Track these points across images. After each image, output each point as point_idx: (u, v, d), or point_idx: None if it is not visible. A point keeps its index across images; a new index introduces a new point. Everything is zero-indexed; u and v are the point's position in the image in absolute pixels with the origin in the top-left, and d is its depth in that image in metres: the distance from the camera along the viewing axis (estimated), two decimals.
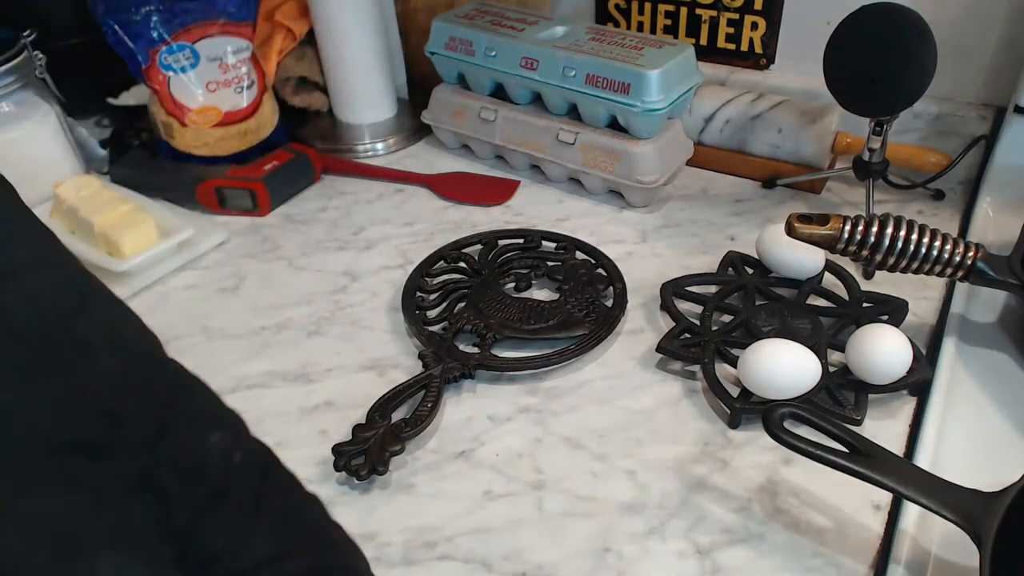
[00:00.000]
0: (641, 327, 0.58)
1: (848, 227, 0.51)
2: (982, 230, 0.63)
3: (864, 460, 0.39)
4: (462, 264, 0.64)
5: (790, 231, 0.52)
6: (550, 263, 0.63)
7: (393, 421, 0.49)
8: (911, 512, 0.42)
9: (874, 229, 0.51)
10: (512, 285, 0.61)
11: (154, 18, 0.73)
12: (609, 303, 0.59)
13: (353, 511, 0.45)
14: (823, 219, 0.52)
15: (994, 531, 0.35)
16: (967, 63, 0.71)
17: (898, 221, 0.51)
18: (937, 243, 0.50)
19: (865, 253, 0.51)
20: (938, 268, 0.51)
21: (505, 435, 0.49)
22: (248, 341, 0.58)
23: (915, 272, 0.52)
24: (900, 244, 0.50)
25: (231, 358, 0.56)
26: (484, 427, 0.50)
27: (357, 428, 0.48)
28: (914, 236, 0.50)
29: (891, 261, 0.51)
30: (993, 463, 0.45)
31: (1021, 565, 0.36)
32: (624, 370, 0.54)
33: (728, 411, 0.49)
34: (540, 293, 0.61)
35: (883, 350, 0.48)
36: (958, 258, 0.50)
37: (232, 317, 0.61)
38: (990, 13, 0.69)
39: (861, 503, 0.44)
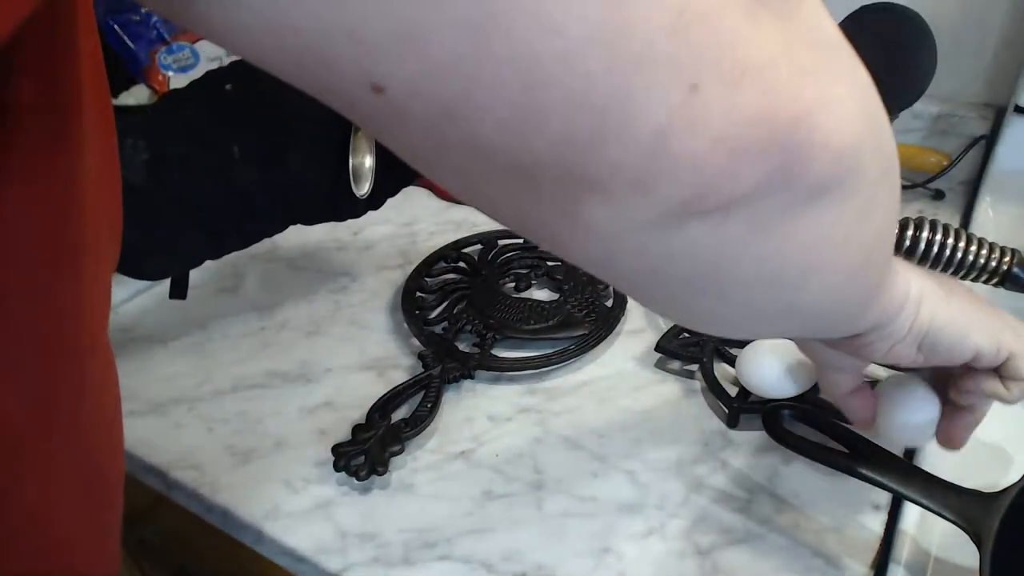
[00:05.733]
0: (641, 327, 0.58)
1: None
2: (982, 230, 0.63)
3: (864, 460, 0.39)
4: (462, 264, 0.63)
5: None
6: (550, 263, 0.63)
7: (393, 421, 0.49)
8: (911, 512, 0.42)
9: (909, 232, 0.49)
10: (512, 285, 0.61)
11: (154, 18, 0.73)
12: (609, 303, 0.59)
13: (353, 511, 0.45)
14: None
15: (994, 531, 0.36)
16: (967, 63, 0.71)
17: (933, 224, 0.47)
18: (973, 248, 0.47)
19: (900, 257, 0.49)
20: (973, 274, 0.48)
21: (505, 435, 0.49)
22: (248, 341, 0.58)
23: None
24: (936, 249, 0.47)
25: (231, 358, 0.56)
26: (484, 427, 0.50)
27: (357, 428, 0.48)
28: (950, 240, 0.47)
29: (927, 267, 0.47)
30: (993, 464, 0.45)
31: (1021, 565, 0.36)
32: (624, 370, 0.54)
33: (726, 411, 0.49)
34: (540, 293, 0.61)
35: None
36: (994, 263, 0.47)
37: (232, 317, 0.60)
38: (990, 13, 0.69)
39: (861, 503, 0.44)
